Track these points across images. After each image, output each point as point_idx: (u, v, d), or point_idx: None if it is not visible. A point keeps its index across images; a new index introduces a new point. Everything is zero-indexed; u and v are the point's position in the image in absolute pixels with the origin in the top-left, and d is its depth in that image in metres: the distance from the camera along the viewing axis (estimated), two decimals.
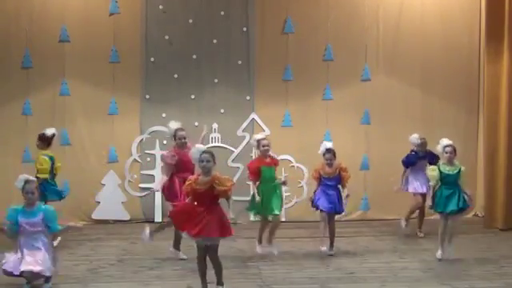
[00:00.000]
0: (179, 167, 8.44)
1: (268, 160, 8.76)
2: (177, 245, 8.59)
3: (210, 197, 6.68)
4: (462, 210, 8.36)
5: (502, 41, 10.83)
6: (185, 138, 8.53)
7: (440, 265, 7.51)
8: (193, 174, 7.52)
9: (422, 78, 11.91)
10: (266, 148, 8.70)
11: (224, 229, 6.69)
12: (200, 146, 7.04)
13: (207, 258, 6.80)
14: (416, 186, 9.99)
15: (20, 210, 7.06)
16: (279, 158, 11.61)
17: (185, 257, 8.48)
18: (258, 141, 8.78)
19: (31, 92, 11.45)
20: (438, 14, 11.91)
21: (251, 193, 8.83)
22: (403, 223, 10.02)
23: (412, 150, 10.10)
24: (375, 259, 8.65)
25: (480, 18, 11.83)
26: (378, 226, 11.10)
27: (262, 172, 8.64)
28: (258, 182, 8.69)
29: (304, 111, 11.78)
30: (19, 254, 7.03)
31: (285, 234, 9.93)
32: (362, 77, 11.85)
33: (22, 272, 6.90)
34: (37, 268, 6.91)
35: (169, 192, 8.51)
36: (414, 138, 10.07)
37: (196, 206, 6.70)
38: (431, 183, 8.44)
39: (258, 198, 8.58)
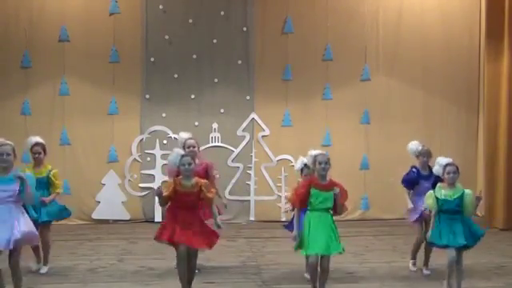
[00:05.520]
0: None
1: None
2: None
3: (195, 200, 6.62)
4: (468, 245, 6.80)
5: (501, 41, 10.85)
6: (194, 147, 7.90)
7: (440, 265, 7.50)
8: None
9: (422, 77, 11.91)
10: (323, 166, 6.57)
11: (210, 238, 6.67)
12: (179, 150, 6.98)
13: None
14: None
15: None
16: (279, 158, 11.73)
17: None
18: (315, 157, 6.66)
19: (30, 92, 11.44)
20: (438, 14, 11.91)
21: None
22: (412, 267, 8.03)
23: (413, 167, 7.94)
24: (375, 259, 8.65)
25: (480, 18, 11.83)
26: (377, 225, 11.09)
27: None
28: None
29: (304, 111, 11.77)
30: None
31: (284, 234, 9.91)
32: (362, 77, 11.85)
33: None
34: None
35: None
36: (414, 144, 7.93)
37: (176, 219, 6.57)
38: (433, 212, 6.76)
39: None
